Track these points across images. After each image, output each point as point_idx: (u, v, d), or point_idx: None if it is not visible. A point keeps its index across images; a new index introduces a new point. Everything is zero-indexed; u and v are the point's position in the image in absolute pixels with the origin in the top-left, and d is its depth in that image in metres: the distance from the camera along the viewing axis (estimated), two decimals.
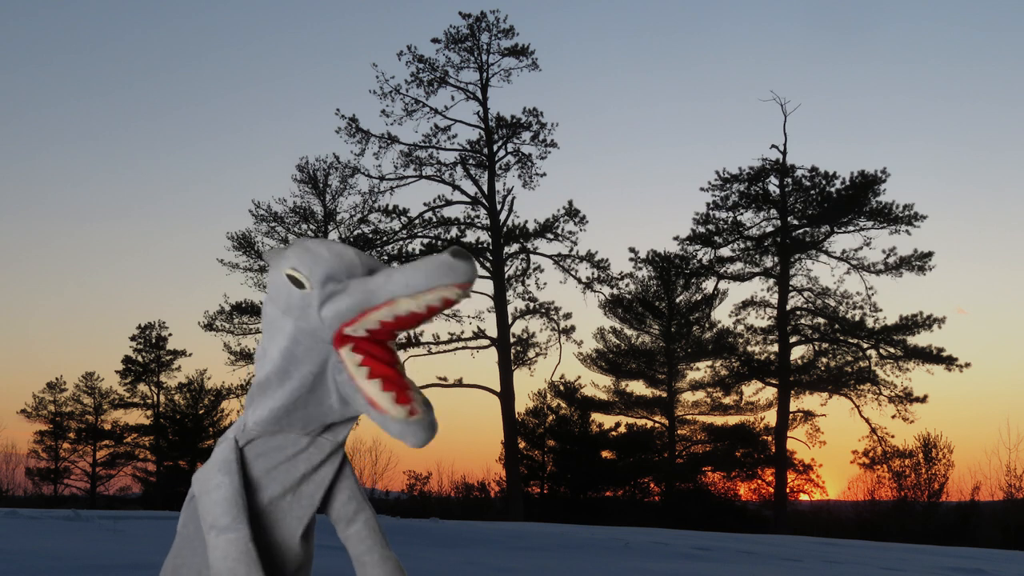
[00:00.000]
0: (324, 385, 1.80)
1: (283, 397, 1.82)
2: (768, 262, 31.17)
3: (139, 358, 36.58)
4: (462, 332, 28.99)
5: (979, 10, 39.26)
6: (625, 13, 40.51)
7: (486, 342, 28.93)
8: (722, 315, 39.01)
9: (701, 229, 31.44)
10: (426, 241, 29.36)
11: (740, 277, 31.52)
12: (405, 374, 1.79)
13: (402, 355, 25.73)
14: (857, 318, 30.03)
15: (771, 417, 31.44)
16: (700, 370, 33.03)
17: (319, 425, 1.88)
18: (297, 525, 1.93)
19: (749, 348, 31.59)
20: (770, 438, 31.44)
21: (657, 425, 33.31)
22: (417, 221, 29.35)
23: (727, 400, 32.67)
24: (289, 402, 1.82)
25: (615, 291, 30.94)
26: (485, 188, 29.48)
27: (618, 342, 33.67)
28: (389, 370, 1.75)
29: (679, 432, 32.93)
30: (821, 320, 30.99)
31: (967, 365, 28.85)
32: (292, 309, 1.77)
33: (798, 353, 31.26)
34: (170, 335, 36.84)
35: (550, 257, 29.72)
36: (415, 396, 1.75)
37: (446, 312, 28.65)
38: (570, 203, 29.29)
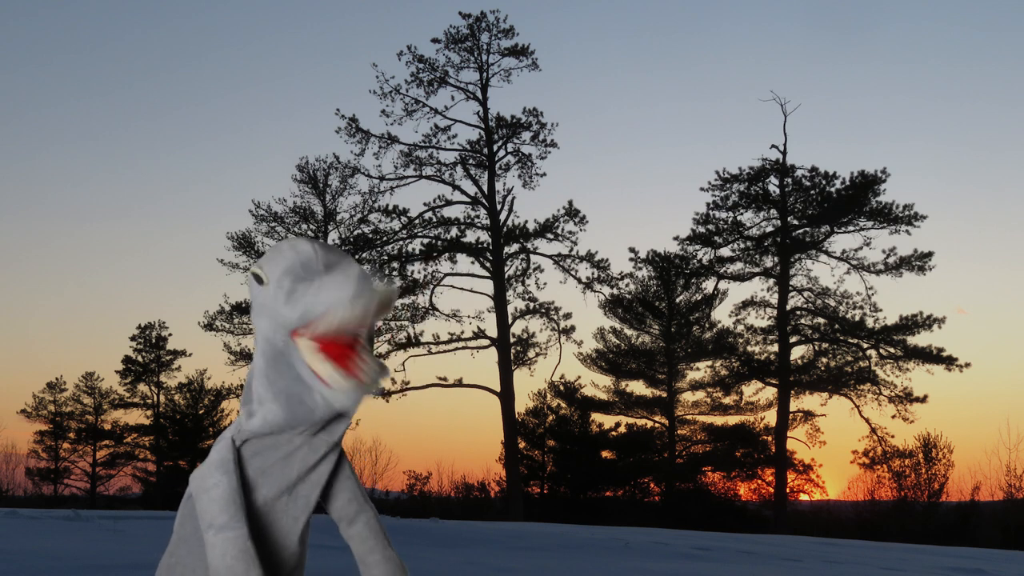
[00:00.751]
0: (303, 381, 1.82)
1: (275, 402, 1.83)
2: (768, 262, 31.17)
3: (139, 358, 36.58)
4: (462, 332, 29.00)
5: (979, 10, 39.30)
6: (625, 13, 40.54)
7: (486, 342, 28.92)
8: (722, 315, 39.09)
9: (701, 229, 31.45)
10: (426, 241, 29.38)
11: (740, 277, 31.52)
12: (361, 348, 1.81)
13: (402, 355, 25.07)
14: (857, 318, 30.03)
15: (771, 417, 31.48)
16: (700, 370, 33.07)
17: (308, 424, 1.87)
18: (293, 525, 1.93)
19: (749, 348, 31.61)
20: (770, 438, 31.43)
21: (657, 425, 33.32)
22: (417, 221, 29.32)
23: (727, 400, 32.69)
24: (283, 407, 1.83)
25: (615, 291, 30.93)
26: (485, 188, 29.46)
27: (618, 342, 33.67)
28: (339, 347, 1.79)
29: (679, 432, 32.92)
30: (821, 320, 30.98)
31: (967, 365, 28.89)
32: (263, 307, 1.82)
33: (798, 353, 31.30)
34: (170, 335, 36.90)
35: (550, 257, 29.71)
36: (362, 365, 1.79)
37: (446, 312, 28.90)
38: (570, 203, 29.31)
